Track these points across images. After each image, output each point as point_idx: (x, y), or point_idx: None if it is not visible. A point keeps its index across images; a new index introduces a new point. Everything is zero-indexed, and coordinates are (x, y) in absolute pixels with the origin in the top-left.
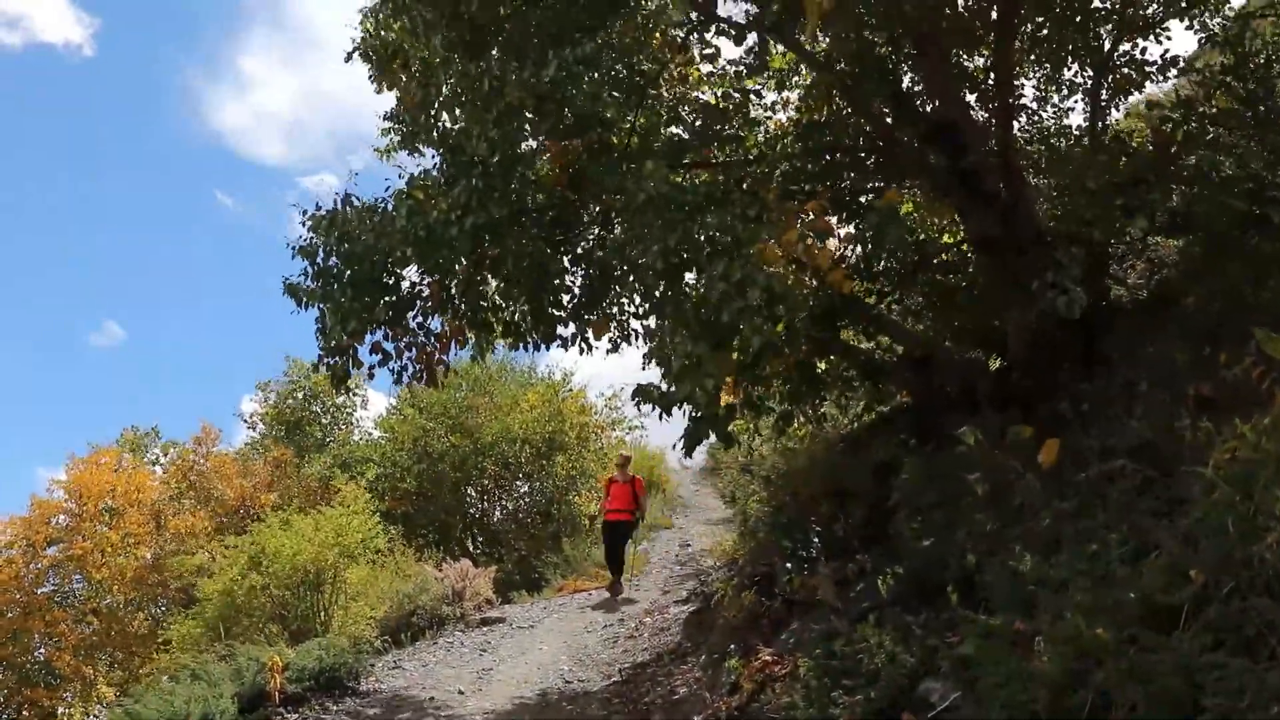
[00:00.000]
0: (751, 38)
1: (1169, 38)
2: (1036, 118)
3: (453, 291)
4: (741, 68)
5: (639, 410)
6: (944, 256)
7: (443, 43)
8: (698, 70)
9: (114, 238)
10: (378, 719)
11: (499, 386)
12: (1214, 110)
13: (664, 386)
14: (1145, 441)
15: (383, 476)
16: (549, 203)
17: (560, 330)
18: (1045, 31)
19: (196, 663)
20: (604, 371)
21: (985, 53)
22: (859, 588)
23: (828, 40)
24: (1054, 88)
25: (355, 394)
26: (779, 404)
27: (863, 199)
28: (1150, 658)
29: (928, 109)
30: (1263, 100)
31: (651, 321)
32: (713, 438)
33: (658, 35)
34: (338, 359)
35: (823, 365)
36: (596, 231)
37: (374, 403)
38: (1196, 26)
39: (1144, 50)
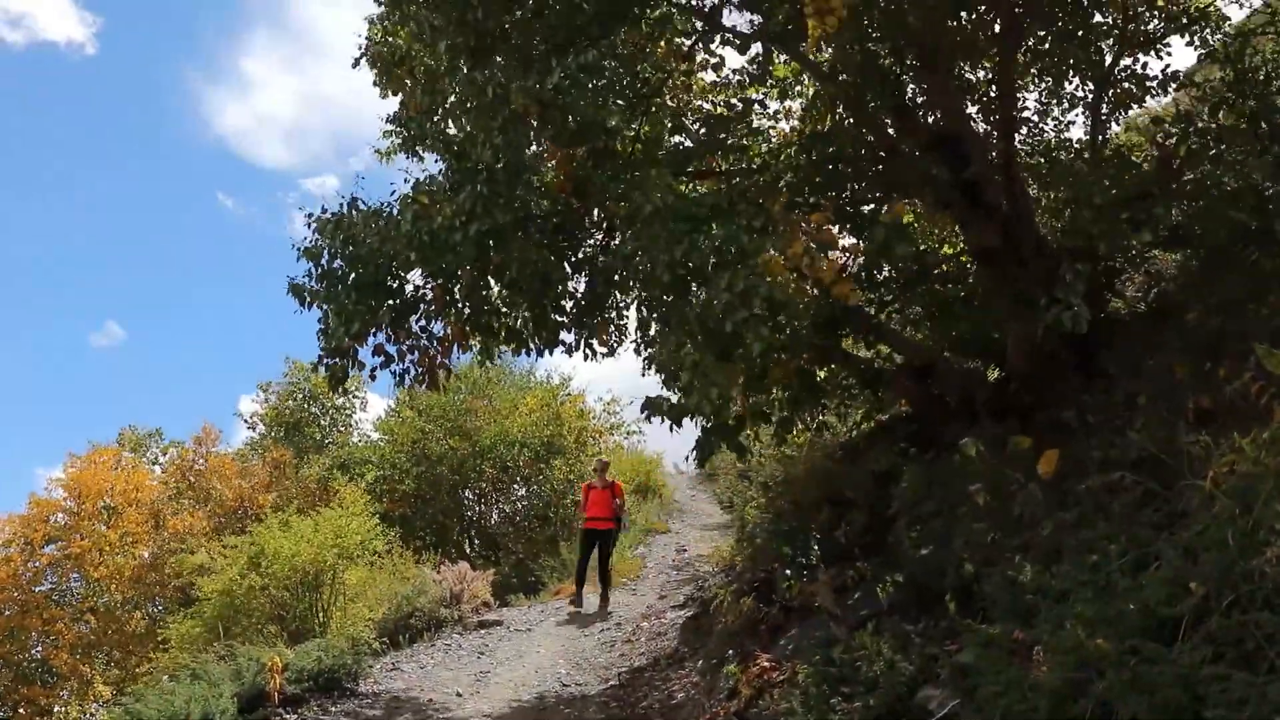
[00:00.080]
0: (755, 48)
1: (1169, 53)
2: (1038, 130)
3: (456, 296)
4: (745, 77)
5: (649, 420)
6: (944, 267)
7: (448, 49)
8: (701, 80)
9: (115, 237)
10: None
11: (498, 390)
12: (1214, 126)
13: (672, 398)
14: (1145, 454)
15: (381, 478)
16: (553, 209)
17: (563, 336)
18: (1047, 45)
19: (196, 662)
20: (602, 376)
21: (988, 65)
22: (858, 595)
23: (831, 51)
24: (1055, 101)
25: (354, 396)
26: (779, 412)
27: (865, 209)
28: (1151, 669)
29: (930, 120)
30: (1264, 116)
31: (653, 330)
32: (723, 448)
33: (663, 44)
34: (338, 360)
35: (822, 373)
36: (599, 238)
37: (373, 405)
38: (1197, 43)
39: (1145, 65)
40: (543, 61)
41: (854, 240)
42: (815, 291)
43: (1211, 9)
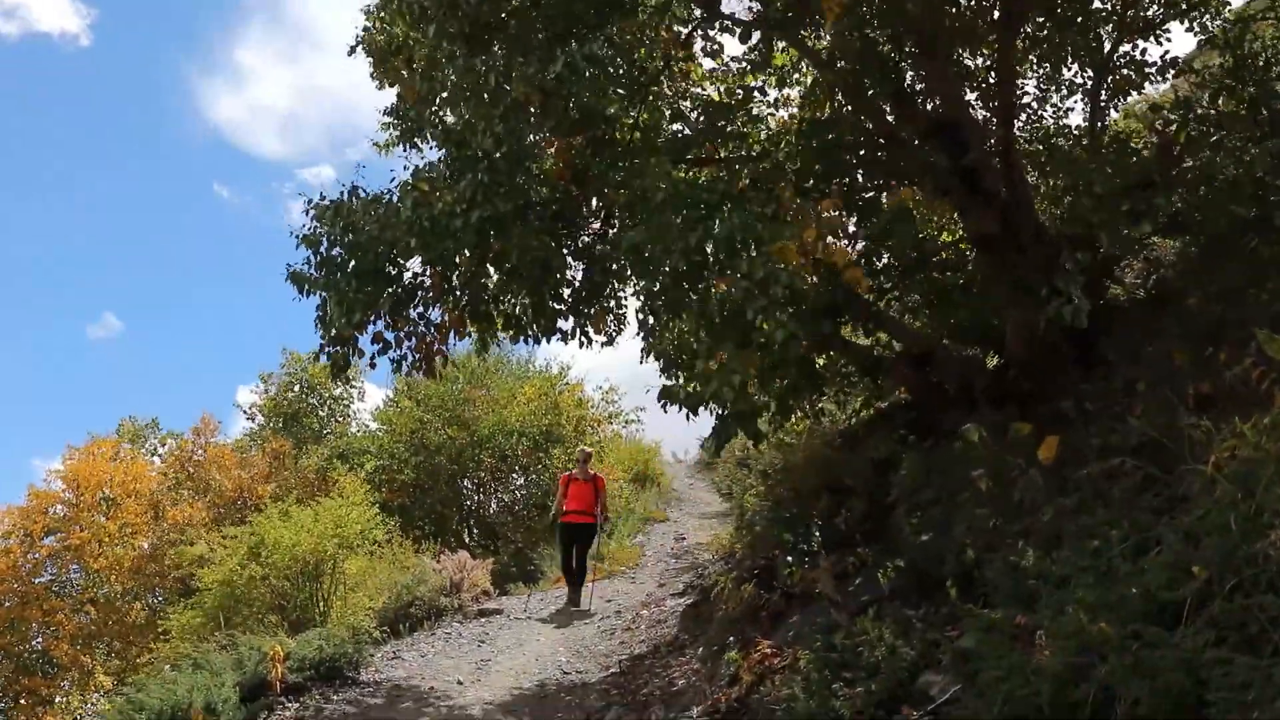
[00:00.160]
0: (755, 35)
1: (1169, 39)
2: (1036, 117)
3: (455, 283)
4: (745, 64)
5: (664, 409)
6: (943, 254)
7: (447, 37)
8: (700, 67)
9: (111, 228)
10: (379, 709)
11: (496, 379)
12: (1213, 112)
13: (682, 385)
14: (1146, 440)
15: (380, 468)
16: (552, 197)
17: (560, 324)
18: (1046, 31)
19: (198, 652)
20: (600, 365)
21: (986, 52)
22: (859, 581)
23: (830, 38)
24: (1054, 87)
25: (352, 386)
26: (775, 399)
27: (864, 196)
28: (1153, 653)
29: (929, 107)
30: (1263, 103)
31: (651, 319)
32: (736, 435)
33: (663, 32)
34: (338, 348)
35: (821, 361)
36: (597, 226)
37: (371, 395)
38: (1196, 28)
39: (1144, 51)
40: (543, 50)
41: (854, 227)
42: (814, 279)
43: None
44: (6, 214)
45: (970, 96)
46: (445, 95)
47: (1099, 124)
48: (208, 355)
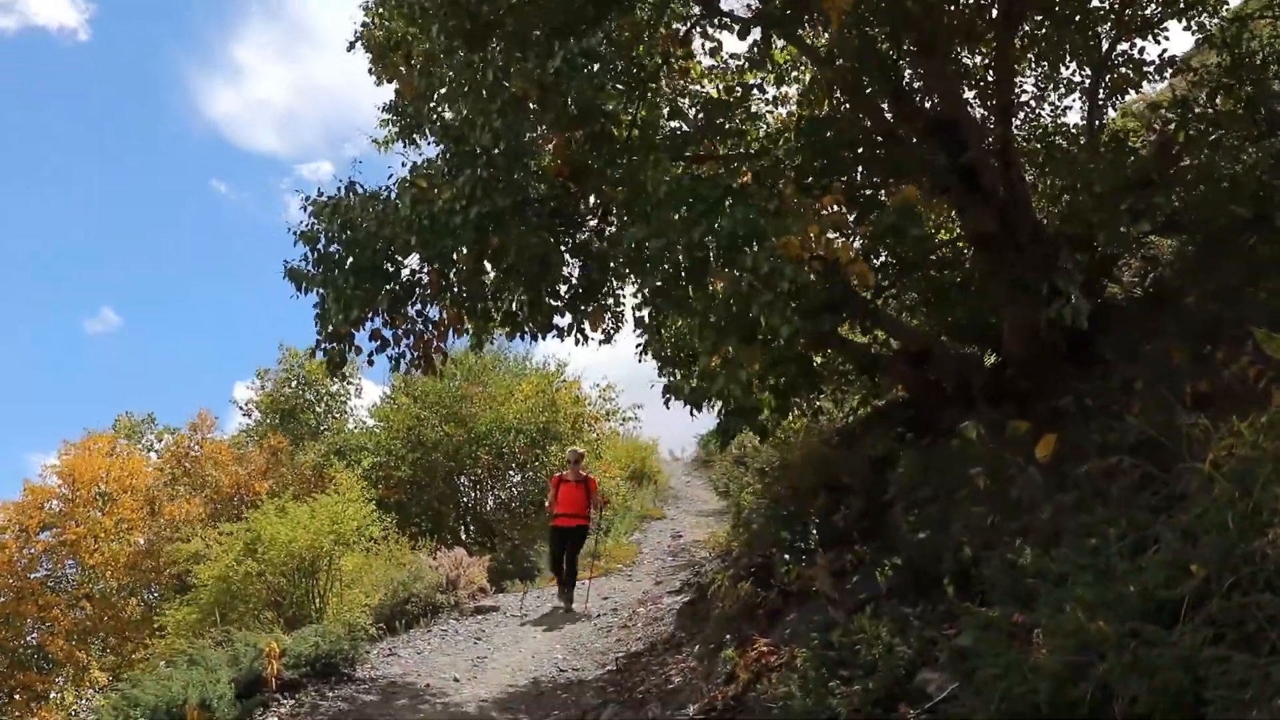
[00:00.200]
0: (754, 32)
1: (1167, 38)
2: (1035, 115)
3: (452, 280)
4: (744, 61)
5: (667, 405)
6: (941, 253)
7: (445, 33)
8: (698, 64)
9: (108, 223)
10: (374, 705)
11: (493, 376)
12: (1210, 111)
13: (685, 381)
14: (1144, 438)
15: (377, 465)
16: (550, 193)
17: (557, 320)
18: (1044, 30)
19: (194, 648)
20: (598, 362)
21: (985, 50)
22: (856, 579)
23: (829, 36)
24: (1052, 86)
25: (349, 382)
26: (772, 398)
27: (864, 194)
28: (1152, 651)
29: (928, 105)
30: (1261, 102)
31: (650, 315)
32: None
33: (662, 29)
34: (335, 345)
35: (819, 359)
36: (595, 223)
37: (368, 391)
38: (1194, 27)
39: (1142, 50)
40: (541, 45)
41: (854, 224)
42: (813, 277)
43: None
44: (4, 208)
45: (969, 95)
46: (444, 91)
47: (1097, 122)
48: (205, 351)
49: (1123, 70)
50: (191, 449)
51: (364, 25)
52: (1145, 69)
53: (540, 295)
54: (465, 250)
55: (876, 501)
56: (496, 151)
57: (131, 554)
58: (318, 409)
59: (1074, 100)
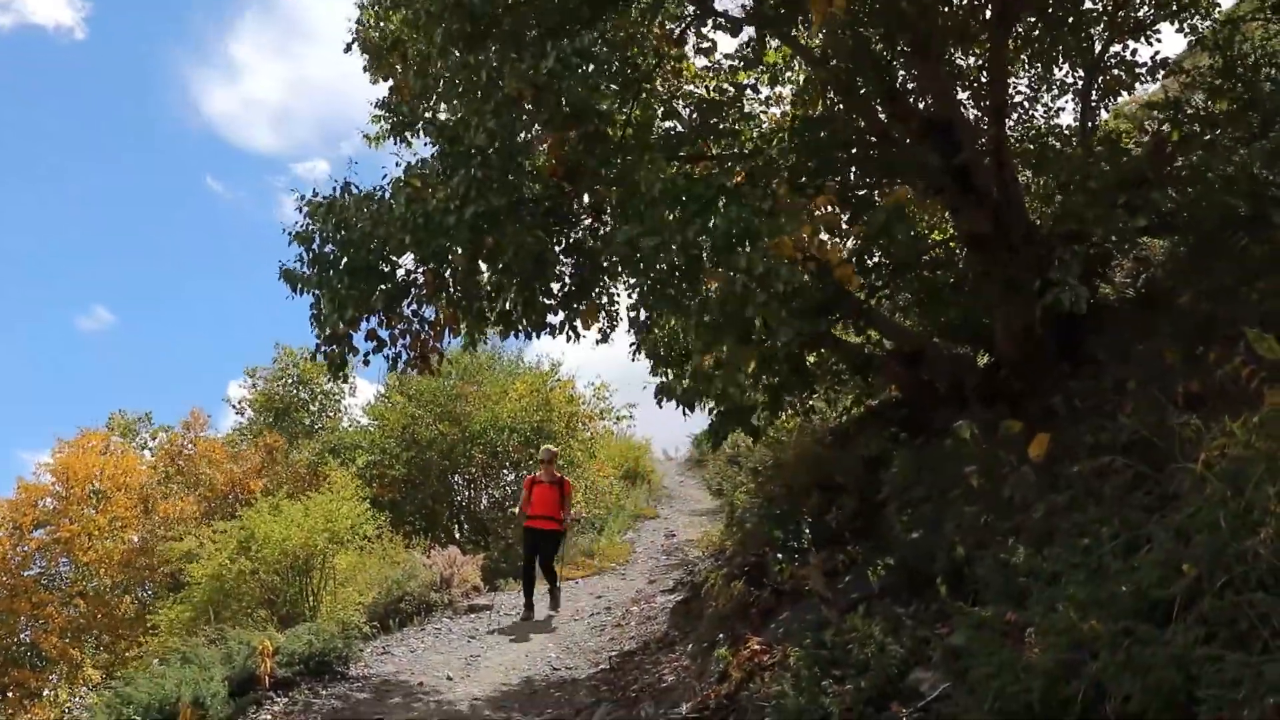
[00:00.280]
0: (747, 32)
1: (1159, 40)
2: (1028, 117)
3: (448, 280)
4: (737, 61)
5: (660, 405)
6: (935, 253)
7: (442, 34)
8: (692, 65)
9: (102, 221)
10: (367, 704)
11: (487, 375)
12: (1203, 113)
13: (678, 381)
14: (1136, 438)
15: (371, 464)
16: (544, 193)
17: (550, 318)
18: (1038, 31)
19: (187, 646)
20: (592, 361)
21: (978, 51)
22: (849, 578)
23: (823, 36)
24: (1045, 87)
25: (343, 381)
26: (764, 397)
27: (857, 194)
28: (1144, 650)
29: (921, 106)
30: (1253, 105)
31: (644, 314)
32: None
33: (656, 29)
34: (334, 347)
35: (812, 359)
36: (589, 222)
37: (362, 390)
38: (1187, 30)
39: (1134, 52)
40: (536, 45)
41: (847, 225)
42: (807, 276)
43: None
44: None
45: (962, 96)
46: (439, 91)
47: (1090, 124)
48: (199, 349)
49: (1115, 72)
50: (185, 447)
51: (359, 25)
52: (1138, 71)
53: (535, 294)
54: (460, 250)
55: (870, 501)
56: (491, 151)
57: (125, 552)
58: (312, 407)
59: (1067, 102)
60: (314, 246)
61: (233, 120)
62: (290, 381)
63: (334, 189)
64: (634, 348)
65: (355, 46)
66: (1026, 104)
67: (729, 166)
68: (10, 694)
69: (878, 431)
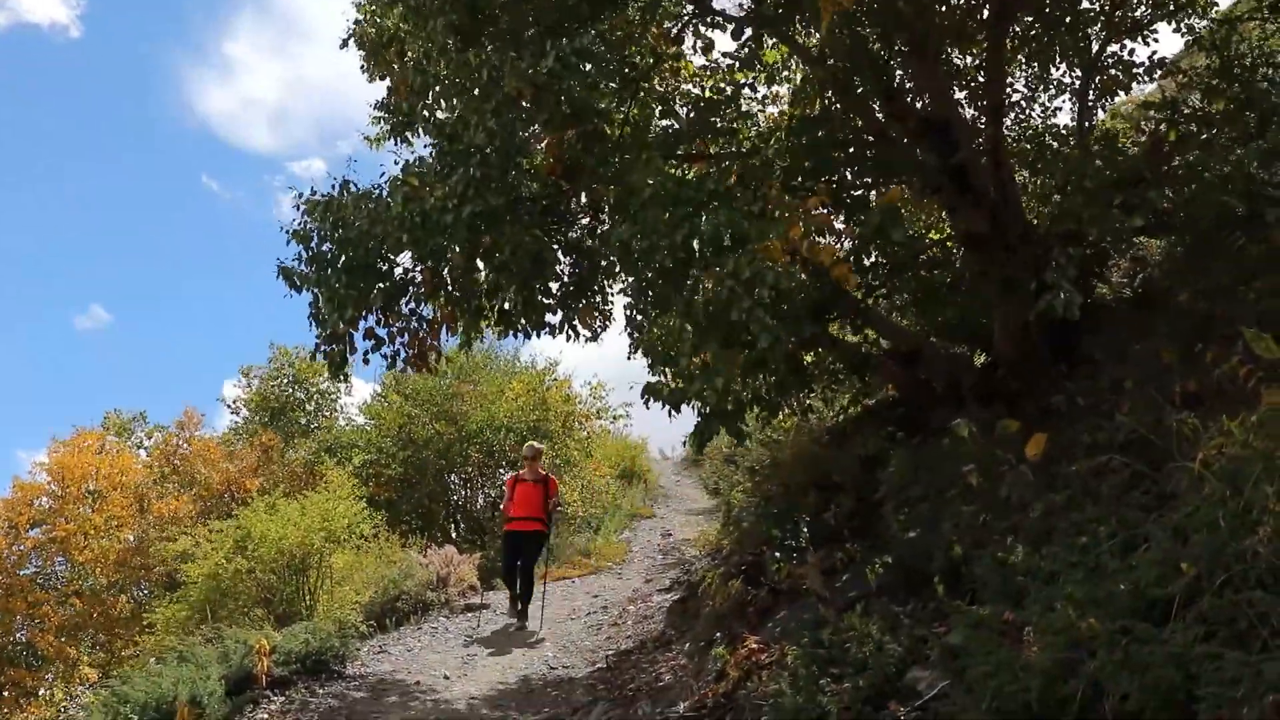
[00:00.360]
0: (746, 31)
1: (1156, 40)
2: (1025, 116)
3: (446, 278)
4: (735, 60)
5: (647, 406)
6: (932, 253)
7: (442, 26)
8: (690, 64)
9: (99, 220)
10: (364, 703)
11: (484, 375)
12: (1200, 113)
13: (666, 382)
14: (1134, 437)
15: (368, 463)
16: (543, 192)
17: (549, 318)
18: (1035, 31)
19: (184, 645)
20: (588, 360)
21: (976, 51)
22: (846, 577)
23: (820, 35)
24: (1042, 87)
25: (343, 380)
26: (764, 396)
27: (853, 194)
28: (1143, 649)
29: (918, 106)
30: (1250, 105)
31: (640, 314)
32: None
33: (654, 27)
34: (334, 346)
35: (809, 358)
36: (587, 221)
37: (358, 389)
38: (1183, 29)
39: (1131, 52)
40: (535, 44)
41: (843, 225)
42: (804, 277)
43: None
44: None
45: (959, 95)
46: (437, 89)
47: (1087, 123)
48: (196, 348)
49: (1112, 72)
50: (180, 446)
51: (356, 22)
52: (1135, 70)
53: (534, 293)
54: (458, 248)
55: (867, 500)
56: (490, 150)
57: (121, 551)
58: (308, 407)
59: (1064, 101)
60: (312, 245)
61: (229, 119)
62: (286, 381)
63: (332, 187)
64: (631, 346)
65: (351, 42)
66: (1024, 103)
67: (725, 166)
68: (6, 693)
69: (875, 431)
